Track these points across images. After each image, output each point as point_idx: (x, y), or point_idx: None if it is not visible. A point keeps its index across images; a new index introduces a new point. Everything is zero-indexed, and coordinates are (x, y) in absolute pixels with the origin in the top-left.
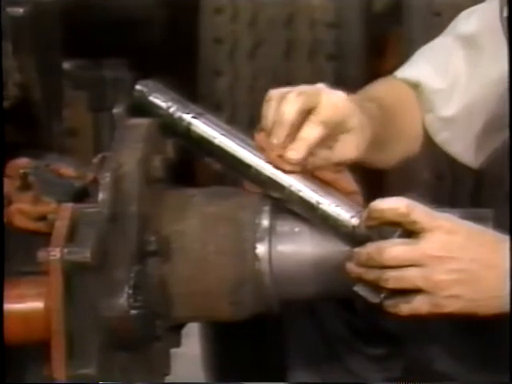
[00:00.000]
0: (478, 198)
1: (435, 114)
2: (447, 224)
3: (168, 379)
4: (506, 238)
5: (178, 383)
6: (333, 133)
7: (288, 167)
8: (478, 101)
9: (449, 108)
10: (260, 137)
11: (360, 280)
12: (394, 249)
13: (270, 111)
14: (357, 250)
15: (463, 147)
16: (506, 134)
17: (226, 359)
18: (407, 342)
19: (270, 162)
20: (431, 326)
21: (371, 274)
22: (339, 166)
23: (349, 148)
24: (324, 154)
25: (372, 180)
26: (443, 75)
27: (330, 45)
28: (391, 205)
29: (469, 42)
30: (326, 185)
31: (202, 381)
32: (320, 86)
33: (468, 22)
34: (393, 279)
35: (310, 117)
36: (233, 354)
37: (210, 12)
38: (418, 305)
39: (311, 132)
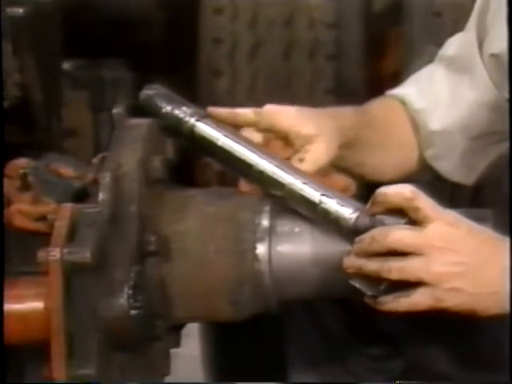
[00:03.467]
0: (478, 199)
1: (420, 131)
2: (450, 216)
3: (168, 379)
4: (505, 238)
5: (178, 383)
6: (296, 145)
7: None
8: (458, 121)
9: (429, 127)
10: None
11: (358, 275)
12: (399, 232)
13: None
14: (358, 238)
15: (449, 165)
16: (498, 150)
17: (225, 359)
18: (406, 342)
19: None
20: (431, 326)
21: (373, 265)
22: (320, 172)
23: (321, 153)
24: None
25: (371, 181)
26: (425, 95)
27: (329, 45)
28: (396, 189)
29: (450, 64)
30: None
31: (202, 381)
32: (268, 107)
33: (451, 45)
34: (395, 269)
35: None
36: (232, 354)
37: (210, 12)
38: (418, 299)
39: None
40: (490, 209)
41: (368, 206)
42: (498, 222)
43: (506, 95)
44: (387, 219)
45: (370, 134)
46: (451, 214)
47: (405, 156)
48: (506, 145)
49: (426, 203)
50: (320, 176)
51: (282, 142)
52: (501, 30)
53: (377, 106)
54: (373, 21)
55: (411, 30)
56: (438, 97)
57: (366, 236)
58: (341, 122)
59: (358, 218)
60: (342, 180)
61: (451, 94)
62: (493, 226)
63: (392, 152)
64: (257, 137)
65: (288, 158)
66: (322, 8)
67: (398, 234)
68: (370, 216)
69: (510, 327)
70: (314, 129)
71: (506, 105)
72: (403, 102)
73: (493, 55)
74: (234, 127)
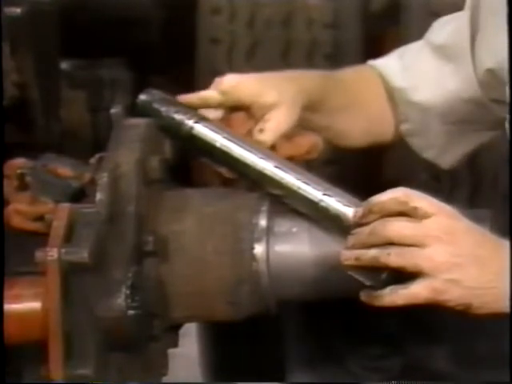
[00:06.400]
0: (476, 199)
1: (397, 104)
2: (450, 210)
3: (165, 379)
4: (504, 241)
5: (176, 383)
6: (257, 115)
7: None
8: (437, 106)
9: (408, 103)
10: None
11: (356, 267)
12: (398, 223)
13: None
14: (355, 230)
15: (423, 142)
16: (478, 138)
17: (223, 359)
18: (406, 341)
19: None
20: (430, 326)
21: (371, 252)
22: (286, 136)
23: (281, 121)
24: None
25: (370, 181)
26: (408, 74)
27: (327, 45)
28: (390, 196)
29: (437, 51)
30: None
31: (200, 381)
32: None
33: (441, 31)
34: (395, 254)
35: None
36: (230, 353)
37: (208, 12)
38: (416, 290)
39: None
40: (488, 209)
41: (362, 214)
42: (495, 223)
43: (494, 96)
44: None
45: (336, 97)
46: (451, 208)
47: (376, 126)
48: (488, 134)
49: (422, 201)
50: (284, 139)
51: (243, 115)
52: (495, 43)
53: (350, 71)
54: (371, 21)
55: (409, 30)
56: (421, 78)
57: (365, 228)
58: (303, 85)
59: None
60: (307, 140)
61: (435, 80)
62: (490, 226)
63: (360, 119)
64: (216, 113)
65: (250, 130)
66: (320, 8)
67: (397, 226)
68: None
69: (510, 327)
70: (273, 96)
71: (488, 103)
72: (382, 74)
73: (489, 70)
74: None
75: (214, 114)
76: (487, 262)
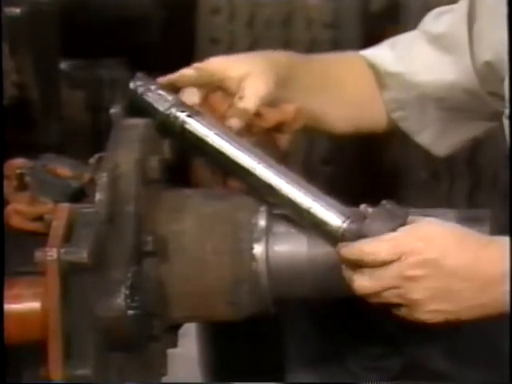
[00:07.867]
0: (476, 197)
1: (389, 94)
2: (418, 245)
3: (165, 379)
4: (493, 241)
5: (176, 383)
6: (233, 89)
7: None
8: (433, 90)
9: (403, 89)
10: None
11: None
12: (362, 283)
13: None
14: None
15: (417, 126)
16: (473, 127)
17: (223, 359)
18: (406, 341)
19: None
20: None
21: (354, 285)
22: (266, 106)
23: (259, 86)
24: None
25: (369, 179)
26: (402, 61)
27: (327, 45)
28: (358, 252)
29: (434, 41)
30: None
31: (199, 381)
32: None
33: (437, 21)
34: (372, 295)
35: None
36: (230, 354)
37: (208, 12)
38: (403, 314)
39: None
40: (487, 208)
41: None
42: (495, 223)
43: (491, 89)
44: (375, 224)
45: (308, 76)
46: (422, 238)
47: (361, 111)
48: (484, 125)
49: (389, 250)
50: (269, 107)
51: (221, 95)
52: (492, 35)
53: (331, 55)
54: (371, 21)
55: (408, 30)
56: (417, 65)
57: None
58: (271, 59)
59: (346, 229)
60: (292, 106)
61: (431, 68)
62: (490, 226)
63: (339, 102)
64: (195, 96)
65: (230, 105)
66: (320, 8)
67: (361, 285)
68: (358, 223)
69: (510, 327)
70: (243, 68)
71: (484, 95)
72: (373, 62)
73: (486, 62)
74: (177, 88)
75: (192, 97)
76: (462, 285)
